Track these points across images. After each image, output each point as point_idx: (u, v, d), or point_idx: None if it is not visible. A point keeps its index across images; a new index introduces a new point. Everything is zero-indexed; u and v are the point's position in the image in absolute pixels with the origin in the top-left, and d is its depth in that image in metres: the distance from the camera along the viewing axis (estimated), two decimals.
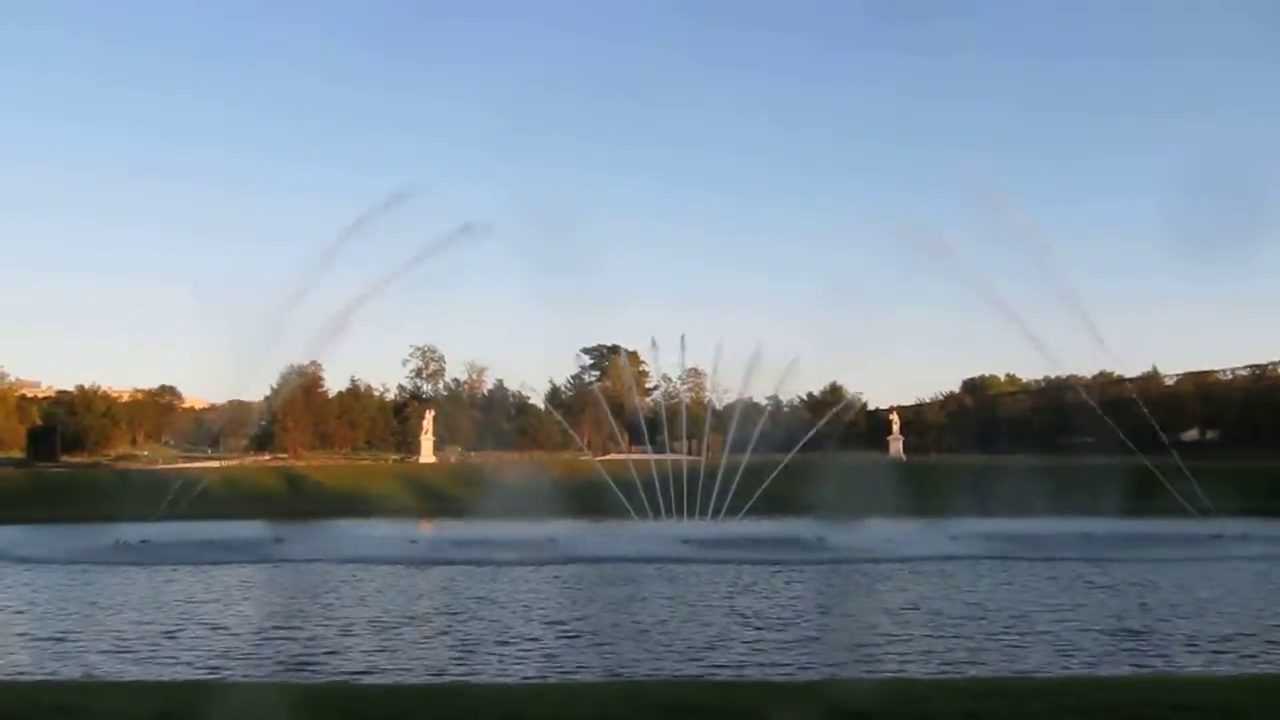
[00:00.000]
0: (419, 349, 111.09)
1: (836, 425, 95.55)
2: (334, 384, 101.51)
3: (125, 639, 16.47)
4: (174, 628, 17.71)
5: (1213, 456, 60.64)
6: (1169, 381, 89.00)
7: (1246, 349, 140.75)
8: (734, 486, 43.64)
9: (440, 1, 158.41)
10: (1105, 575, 25.18)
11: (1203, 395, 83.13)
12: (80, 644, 16.08)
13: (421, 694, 9.88)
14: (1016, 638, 16.14)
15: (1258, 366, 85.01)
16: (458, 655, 14.99)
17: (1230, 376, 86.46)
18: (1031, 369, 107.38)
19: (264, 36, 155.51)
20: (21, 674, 13.30)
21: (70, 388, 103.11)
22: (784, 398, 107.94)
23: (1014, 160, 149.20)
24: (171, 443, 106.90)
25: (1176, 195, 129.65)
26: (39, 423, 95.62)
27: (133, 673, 13.45)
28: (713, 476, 44.43)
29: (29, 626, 18.17)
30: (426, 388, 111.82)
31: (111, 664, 14.33)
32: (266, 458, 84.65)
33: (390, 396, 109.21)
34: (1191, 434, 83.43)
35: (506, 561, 28.49)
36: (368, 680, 12.68)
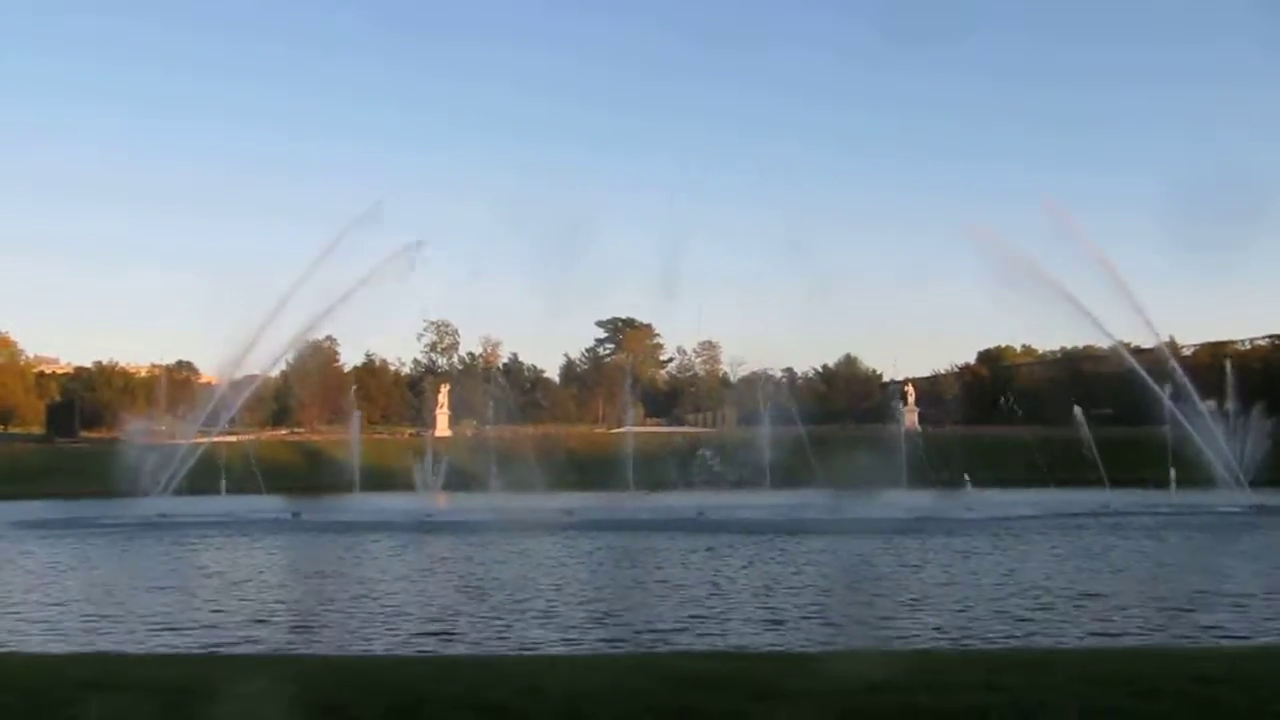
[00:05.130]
0: (433, 323, 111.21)
1: (851, 397, 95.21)
2: (349, 359, 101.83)
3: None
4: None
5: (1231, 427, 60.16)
6: (1186, 352, 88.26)
7: (1265, 319, 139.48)
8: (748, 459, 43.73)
9: None
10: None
11: (1221, 365, 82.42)
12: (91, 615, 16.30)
13: (436, 666, 9.93)
14: None
15: (1276, 336, 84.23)
16: None
17: (1249, 346, 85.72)
18: (1048, 339, 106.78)
19: (280, 17, 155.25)
20: (54, 648, 13.46)
21: (88, 364, 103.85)
22: (798, 369, 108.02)
23: (1025, 135, 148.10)
24: (189, 418, 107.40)
25: (1192, 167, 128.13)
26: (58, 399, 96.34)
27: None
28: (726, 449, 44.53)
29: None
30: (441, 362, 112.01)
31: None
32: (283, 432, 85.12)
33: (405, 371, 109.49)
34: (1210, 405, 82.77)
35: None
36: (379, 653, 12.77)
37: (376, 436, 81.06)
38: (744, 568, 21.92)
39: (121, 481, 41.70)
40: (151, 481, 42.03)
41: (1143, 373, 40.75)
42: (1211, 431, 40.07)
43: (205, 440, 47.59)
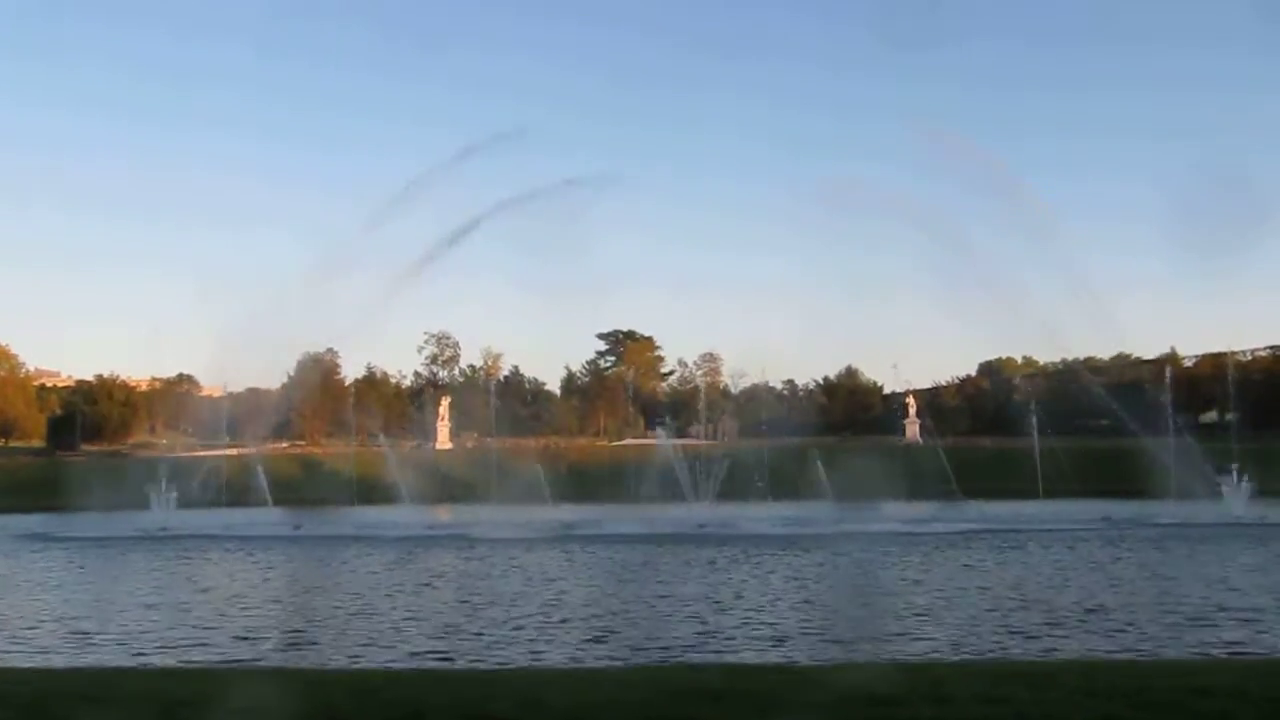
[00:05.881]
0: (434, 335, 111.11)
1: (852, 409, 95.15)
2: (350, 371, 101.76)
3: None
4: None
5: (1232, 439, 60.19)
6: (1187, 363, 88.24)
7: (1267, 329, 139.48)
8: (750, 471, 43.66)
9: None
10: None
11: (1221, 377, 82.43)
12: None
13: (436, 679, 9.91)
14: None
15: (1277, 347, 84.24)
16: None
17: (1250, 358, 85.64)
18: (1048, 352, 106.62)
19: (282, 29, 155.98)
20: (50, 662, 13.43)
21: (89, 377, 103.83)
22: (799, 381, 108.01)
23: (1025, 142, 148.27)
24: (190, 431, 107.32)
25: (1193, 176, 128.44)
26: (59, 412, 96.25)
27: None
28: (728, 461, 44.45)
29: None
30: (442, 374, 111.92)
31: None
32: (284, 445, 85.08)
33: (406, 383, 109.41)
34: (1210, 416, 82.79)
35: None
36: (379, 667, 12.73)
37: (377, 449, 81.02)
38: (743, 581, 21.86)
39: (124, 494, 41.77)
40: (163, 495, 42.14)
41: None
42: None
43: (207, 454, 47.64)
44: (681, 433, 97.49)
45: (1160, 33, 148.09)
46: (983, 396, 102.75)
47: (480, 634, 15.51)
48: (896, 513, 37.88)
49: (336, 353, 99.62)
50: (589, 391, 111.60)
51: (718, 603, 18.58)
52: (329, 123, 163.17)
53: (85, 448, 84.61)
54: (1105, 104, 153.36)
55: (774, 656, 13.47)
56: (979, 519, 36.23)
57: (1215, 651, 13.27)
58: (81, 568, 26.74)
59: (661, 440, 57.15)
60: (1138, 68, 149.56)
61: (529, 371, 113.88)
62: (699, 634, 15.31)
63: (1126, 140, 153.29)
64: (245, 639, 15.16)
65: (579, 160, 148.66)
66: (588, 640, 14.86)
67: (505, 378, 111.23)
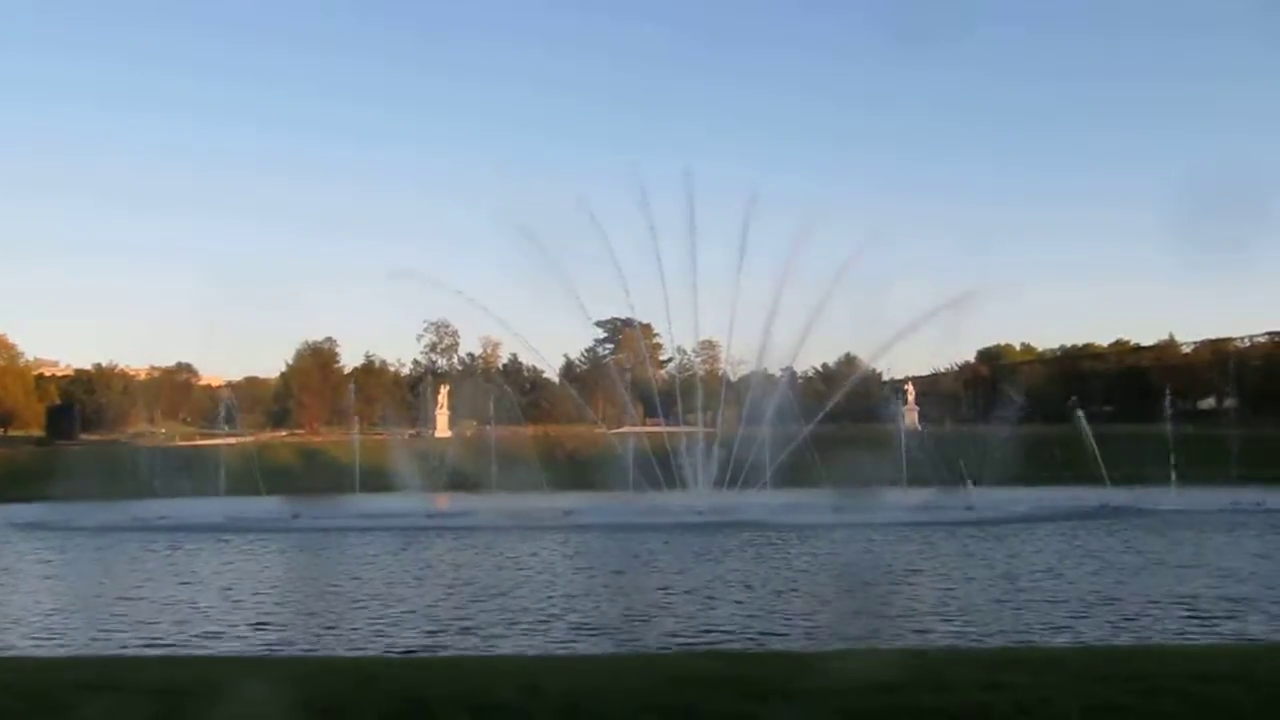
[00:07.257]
0: (432, 324, 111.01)
1: (851, 396, 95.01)
2: (348, 360, 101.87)
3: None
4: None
5: (1231, 424, 60.34)
6: (1186, 349, 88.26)
7: (1266, 316, 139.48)
8: (749, 459, 43.65)
9: None
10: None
11: (1220, 363, 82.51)
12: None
13: (434, 666, 9.89)
14: None
15: (1276, 333, 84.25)
16: None
17: (1248, 344, 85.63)
18: (1046, 338, 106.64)
19: (278, 17, 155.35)
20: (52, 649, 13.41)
21: (88, 366, 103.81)
22: (798, 369, 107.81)
23: (1028, 131, 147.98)
24: (188, 420, 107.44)
25: (1194, 164, 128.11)
26: (57, 401, 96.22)
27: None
28: (727, 449, 44.45)
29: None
30: (441, 362, 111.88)
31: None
32: (283, 434, 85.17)
33: (405, 372, 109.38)
34: (1209, 402, 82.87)
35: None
36: (381, 653, 12.72)
37: (376, 437, 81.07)
38: (738, 568, 21.86)
39: (123, 483, 41.80)
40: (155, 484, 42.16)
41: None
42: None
43: (206, 442, 47.60)
44: (681, 420, 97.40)
45: (1162, 21, 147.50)
46: (981, 383, 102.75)
47: (479, 620, 15.50)
48: (897, 500, 37.91)
49: (335, 341, 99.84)
50: (586, 379, 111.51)
51: (716, 588, 18.58)
52: (329, 112, 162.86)
53: (84, 437, 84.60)
54: (1107, 93, 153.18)
55: (775, 642, 13.47)
56: (980, 506, 36.28)
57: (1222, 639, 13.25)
58: (74, 556, 26.73)
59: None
60: (1137, 56, 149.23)
61: (528, 360, 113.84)
62: (697, 622, 15.30)
63: (1126, 127, 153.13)
64: (244, 628, 15.14)
65: (578, 151, 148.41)
66: (584, 627, 14.84)
67: (504, 366, 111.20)
